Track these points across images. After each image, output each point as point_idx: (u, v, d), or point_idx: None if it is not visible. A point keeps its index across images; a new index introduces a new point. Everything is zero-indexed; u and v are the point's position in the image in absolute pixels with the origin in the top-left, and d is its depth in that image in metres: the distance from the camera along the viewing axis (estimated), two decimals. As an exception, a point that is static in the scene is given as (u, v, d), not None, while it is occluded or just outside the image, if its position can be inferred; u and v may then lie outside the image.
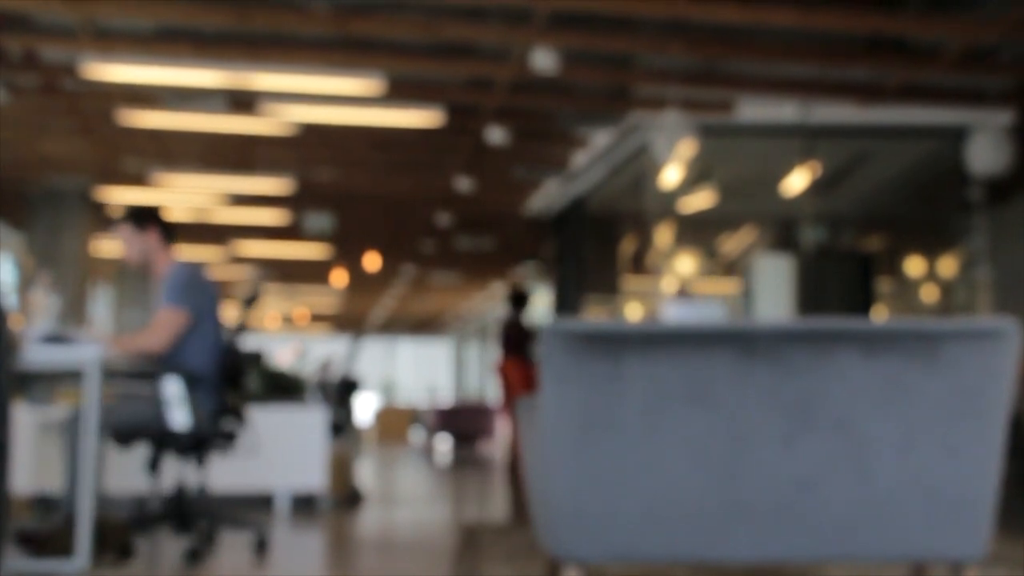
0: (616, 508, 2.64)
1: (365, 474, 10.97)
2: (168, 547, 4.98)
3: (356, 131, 10.03)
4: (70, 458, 4.52)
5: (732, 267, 11.83)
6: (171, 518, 4.70)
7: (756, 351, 2.64)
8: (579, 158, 10.80)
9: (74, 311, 11.98)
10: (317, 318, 28.12)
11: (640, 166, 9.62)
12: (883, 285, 10.95)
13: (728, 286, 11.88)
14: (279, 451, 7.01)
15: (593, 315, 11.63)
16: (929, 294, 10.82)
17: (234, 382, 4.89)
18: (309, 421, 7.27)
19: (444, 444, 19.99)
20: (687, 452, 2.64)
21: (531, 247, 15.97)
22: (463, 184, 11.75)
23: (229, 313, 5.03)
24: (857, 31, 7.52)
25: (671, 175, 8.87)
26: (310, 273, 19.24)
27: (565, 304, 11.93)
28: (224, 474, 6.44)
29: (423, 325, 29.94)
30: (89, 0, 6.95)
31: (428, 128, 9.67)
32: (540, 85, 8.59)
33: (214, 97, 8.97)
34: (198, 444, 4.70)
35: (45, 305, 4.70)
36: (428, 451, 18.06)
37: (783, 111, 8.96)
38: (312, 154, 11.06)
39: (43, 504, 6.42)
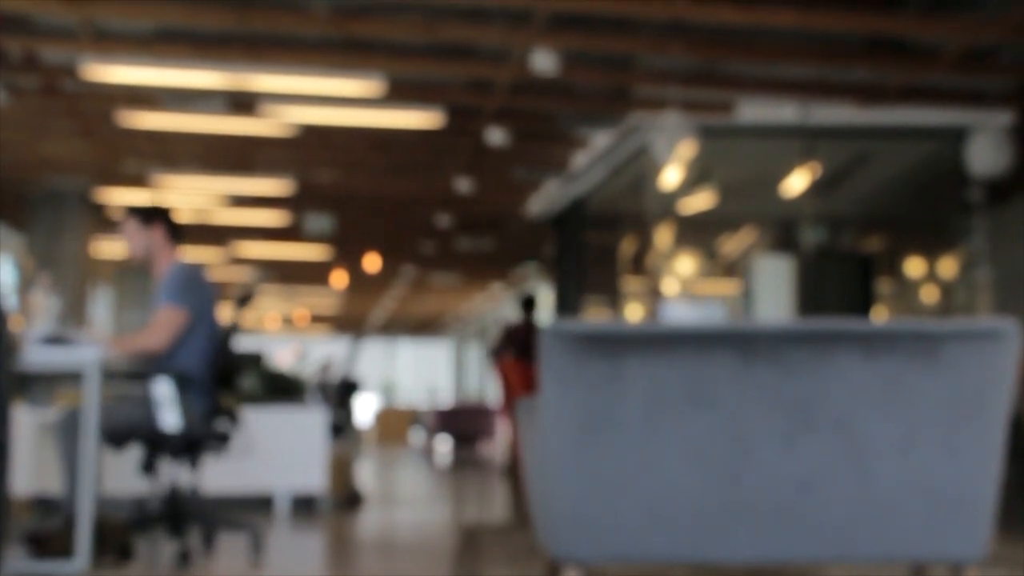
0: (616, 509, 2.64)
1: (365, 475, 10.97)
2: (168, 548, 4.98)
3: (356, 132, 10.02)
4: (65, 459, 4.51)
5: (732, 268, 11.84)
6: (165, 520, 4.69)
7: (756, 352, 2.63)
8: (579, 159, 10.80)
9: (74, 312, 11.98)
10: (317, 319, 28.12)
11: (640, 167, 9.61)
12: (883, 286, 10.96)
13: (728, 287, 11.88)
14: (279, 452, 7.01)
15: (593, 316, 11.63)
16: (929, 295, 10.81)
17: (227, 383, 4.87)
18: (309, 422, 7.27)
19: (444, 445, 19.99)
20: (687, 453, 2.64)
21: (531, 248, 15.97)
22: (463, 185, 11.75)
23: (224, 313, 5.01)
24: (857, 32, 7.52)
25: (671, 176, 8.87)
26: (310, 274, 19.24)
27: (565, 305, 11.93)
28: (223, 475, 6.44)
29: (423, 326, 29.94)
30: (89, 1, 6.95)
31: (428, 129, 9.67)
32: (540, 86, 8.59)
33: (214, 98, 8.97)
34: (190, 445, 4.68)
35: (45, 306, 4.69)
36: (428, 452, 18.06)
37: (783, 112, 8.95)
38: (312, 155, 11.06)
39: (43, 505, 6.42)
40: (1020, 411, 6.08)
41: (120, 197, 12.52)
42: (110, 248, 15.03)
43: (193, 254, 16.09)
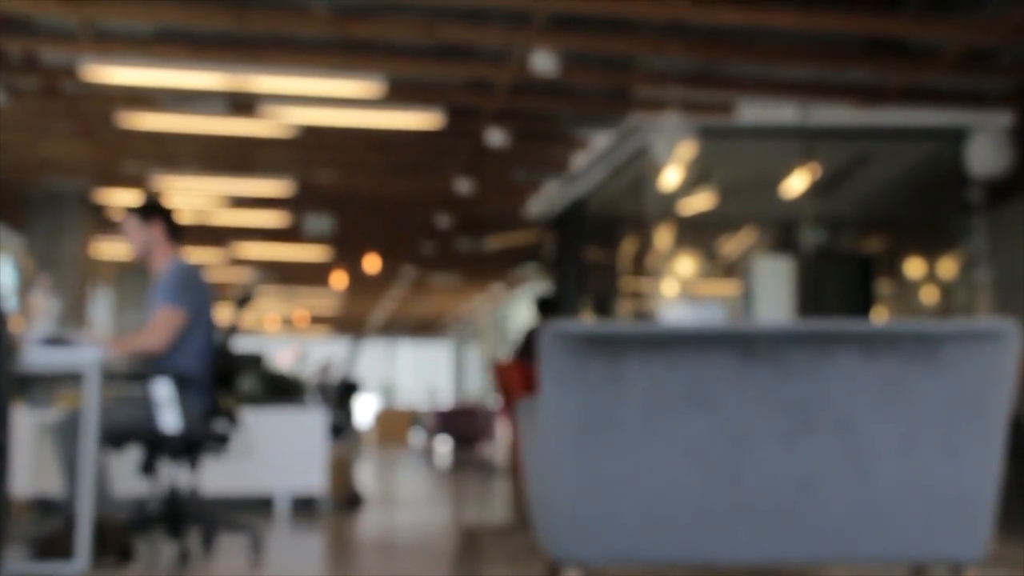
0: (616, 509, 2.64)
1: (365, 476, 10.97)
2: (168, 549, 4.98)
3: (356, 133, 10.02)
4: (65, 460, 4.51)
5: (732, 269, 11.83)
6: (164, 521, 4.68)
7: (756, 352, 2.63)
8: (579, 160, 10.80)
9: (74, 313, 11.98)
10: (317, 320, 28.11)
11: (640, 168, 9.61)
12: (883, 286, 10.95)
13: (728, 288, 11.88)
14: (279, 453, 7.01)
15: (592, 316, 11.63)
16: (929, 295, 10.81)
17: (226, 384, 4.87)
18: (309, 423, 7.27)
19: (444, 446, 19.98)
20: (687, 453, 2.64)
21: (531, 249, 15.97)
22: (463, 186, 11.75)
23: (223, 314, 5.01)
24: (857, 32, 7.52)
25: (671, 177, 8.87)
26: (310, 275, 19.24)
27: (565, 306, 11.93)
28: (223, 476, 6.43)
29: (423, 327, 29.94)
30: (89, 2, 6.95)
31: (428, 130, 9.67)
32: (540, 87, 8.59)
33: (214, 99, 8.97)
34: (190, 446, 4.68)
35: (45, 308, 4.69)
36: (428, 453, 18.06)
37: (783, 113, 8.95)
38: (312, 156, 11.06)
39: (42, 506, 6.42)
40: (1020, 411, 6.08)
41: (120, 198, 12.52)
42: (110, 249, 15.04)
43: (193, 255, 16.09)
